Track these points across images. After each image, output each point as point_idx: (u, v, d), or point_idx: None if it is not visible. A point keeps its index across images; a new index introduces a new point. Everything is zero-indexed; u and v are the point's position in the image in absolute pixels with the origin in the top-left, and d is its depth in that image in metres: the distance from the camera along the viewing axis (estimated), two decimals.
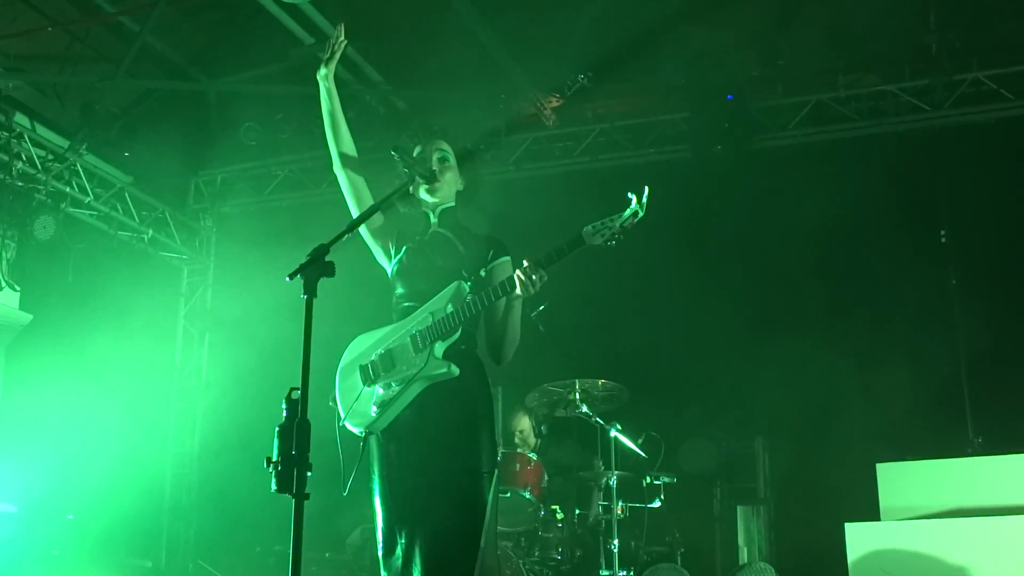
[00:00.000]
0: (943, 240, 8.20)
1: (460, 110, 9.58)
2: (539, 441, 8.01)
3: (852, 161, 9.15)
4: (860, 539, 6.58)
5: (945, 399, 8.13)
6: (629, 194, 4.00)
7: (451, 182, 4.57)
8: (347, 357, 4.43)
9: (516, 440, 7.95)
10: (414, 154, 4.55)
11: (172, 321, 11.05)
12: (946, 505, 6.67)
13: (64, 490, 9.03)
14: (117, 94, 9.57)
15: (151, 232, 10.50)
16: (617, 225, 4.00)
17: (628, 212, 3.99)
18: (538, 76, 9.37)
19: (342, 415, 4.30)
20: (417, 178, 4.46)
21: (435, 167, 4.50)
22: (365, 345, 4.42)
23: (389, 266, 4.57)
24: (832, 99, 9.30)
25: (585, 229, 4.04)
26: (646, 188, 4.00)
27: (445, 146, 4.59)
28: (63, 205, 9.57)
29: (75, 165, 9.67)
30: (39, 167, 9.32)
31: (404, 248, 4.52)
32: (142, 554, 9.93)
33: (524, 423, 8.05)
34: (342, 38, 4.65)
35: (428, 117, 9.03)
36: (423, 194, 4.52)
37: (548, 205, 8.80)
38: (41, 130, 9.54)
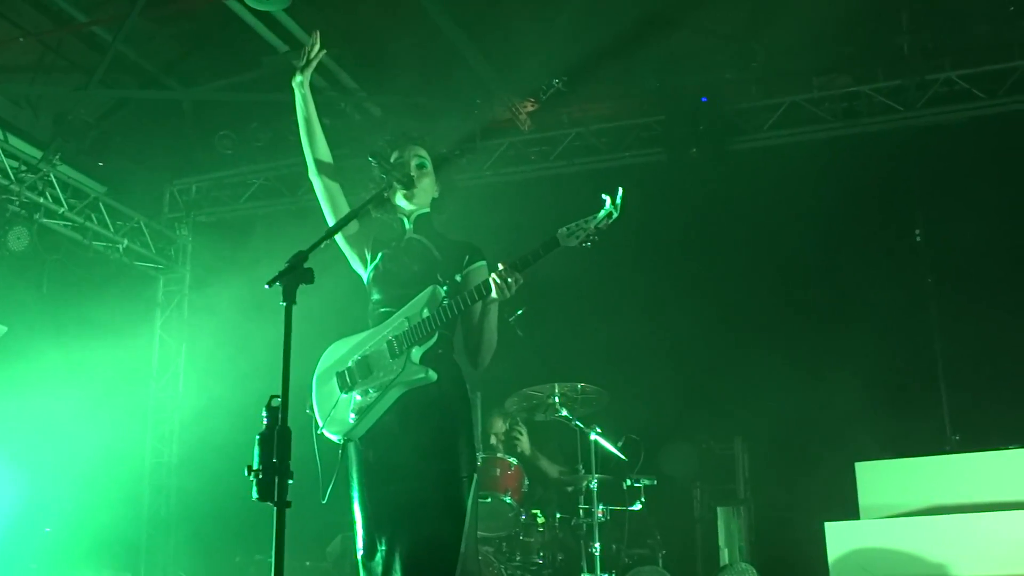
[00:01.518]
0: (918, 239, 8.25)
1: (435, 115, 9.58)
2: (520, 440, 8.03)
3: (827, 162, 9.18)
4: (840, 538, 6.60)
5: (922, 397, 8.17)
6: (603, 195, 4.01)
7: (428, 189, 4.57)
8: (323, 364, 4.43)
9: (492, 442, 7.98)
10: (392, 160, 4.55)
11: (149, 331, 10.99)
12: (925, 503, 6.70)
13: (41, 503, 8.97)
14: (90, 104, 9.54)
15: (126, 242, 10.44)
16: (592, 226, 4.01)
17: (602, 213, 4.00)
18: (513, 81, 9.38)
19: (320, 423, 4.29)
20: (394, 184, 4.46)
21: (413, 173, 4.51)
22: (341, 352, 4.41)
23: (365, 273, 4.56)
24: (806, 100, 9.35)
25: (560, 231, 4.06)
26: (620, 189, 4.01)
27: (423, 153, 4.60)
28: (37, 216, 9.52)
29: (49, 176, 9.61)
30: (12, 178, 9.26)
31: (380, 254, 4.51)
32: (121, 566, 9.85)
33: (499, 426, 8.07)
34: (318, 46, 4.63)
35: (405, 123, 9.04)
36: (400, 200, 4.52)
37: (525, 210, 8.80)
38: (14, 140, 9.50)
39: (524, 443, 8.00)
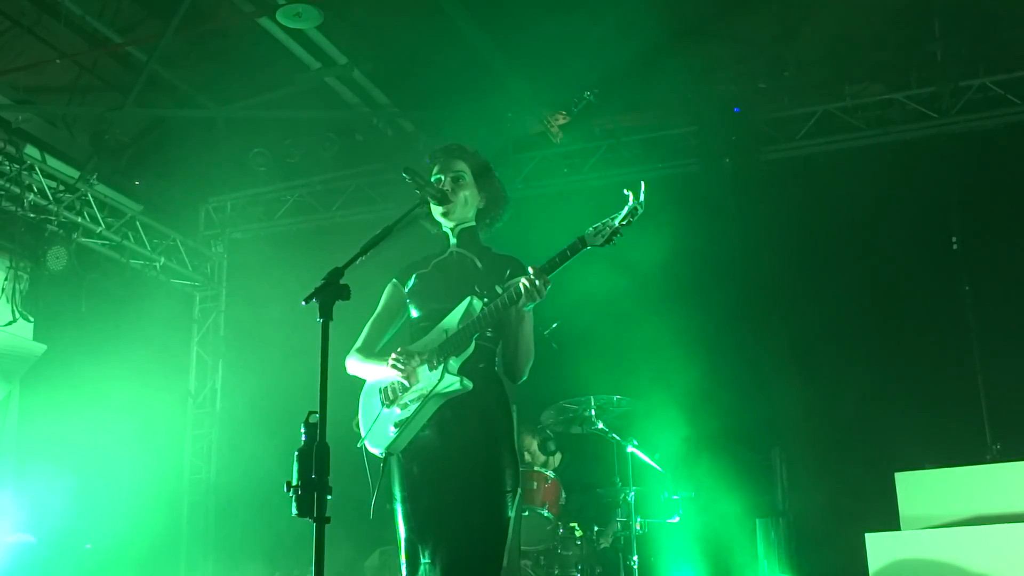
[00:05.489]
0: (955, 247, 8.19)
1: (467, 129, 9.59)
2: (551, 458, 8.02)
3: (861, 170, 9.14)
4: (881, 549, 6.56)
5: (962, 406, 8.10)
6: (625, 191, 3.99)
7: (466, 201, 4.49)
8: (369, 380, 4.44)
9: (527, 458, 7.96)
10: (432, 175, 4.52)
11: (186, 348, 11.08)
12: (966, 513, 6.64)
13: (82, 519, 9.04)
14: (126, 123, 9.60)
15: (163, 260, 10.53)
16: (616, 223, 3.99)
17: (626, 209, 3.98)
18: (544, 94, 9.39)
19: (363, 436, 4.31)
20: (429, 200, 4.44)
21: (448, 187, 4.47)
22: None
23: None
24: (839, 109, 9.31)
25: (587, 231, 4.05)
26: (642, 184, 3.99)
27: (461, 166, 4.52)
28: (75, 235, 9.61)
29: (86, 195, 9.71)
30: (50, 198, 9.35)
31: (414, 275, 4.51)
32: None
33: (531, 443, 8.06)
34: None
35: (440, 138, 9.06)
36: (439, 216, 4.50)
37: (557, 223, 8.77)
38: (52, 161, 9.60)
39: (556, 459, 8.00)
